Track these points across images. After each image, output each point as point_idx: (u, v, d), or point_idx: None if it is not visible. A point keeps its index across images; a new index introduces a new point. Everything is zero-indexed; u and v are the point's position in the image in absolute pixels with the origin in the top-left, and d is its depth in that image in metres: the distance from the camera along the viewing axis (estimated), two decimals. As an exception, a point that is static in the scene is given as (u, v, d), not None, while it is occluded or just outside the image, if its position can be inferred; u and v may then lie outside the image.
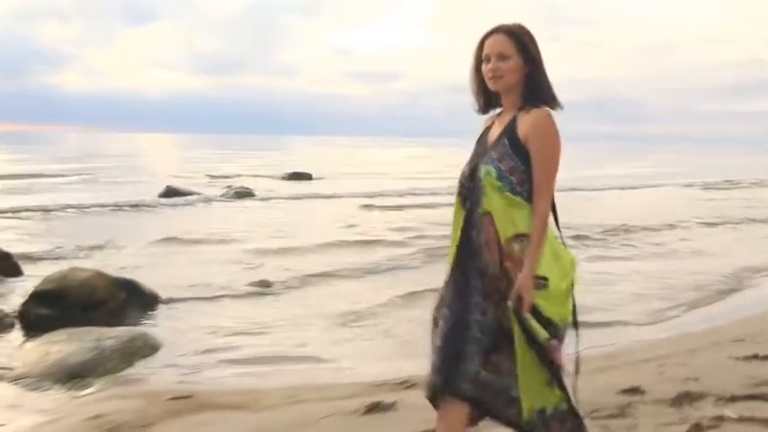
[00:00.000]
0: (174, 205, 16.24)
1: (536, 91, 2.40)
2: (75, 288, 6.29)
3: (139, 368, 5.12)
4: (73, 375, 4.84)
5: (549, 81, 2.43)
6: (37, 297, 6.25)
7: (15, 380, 4.79)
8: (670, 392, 3.94)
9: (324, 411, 3.91)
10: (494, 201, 2.31)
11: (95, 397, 4.49)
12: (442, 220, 6.08)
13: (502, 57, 2.37)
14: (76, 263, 8.32)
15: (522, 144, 2.33)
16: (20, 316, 6.17)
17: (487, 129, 2.53)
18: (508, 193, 2.30)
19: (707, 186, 27.55)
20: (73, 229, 12.15)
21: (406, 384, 4.39)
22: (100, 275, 6.56)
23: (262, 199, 18.75)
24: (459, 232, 2.41)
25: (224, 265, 8.87)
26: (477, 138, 2.56)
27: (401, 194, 20.27)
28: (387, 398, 4.02)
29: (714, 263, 9.52)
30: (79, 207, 14.93)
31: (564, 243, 2.43)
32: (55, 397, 4.51)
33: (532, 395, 2.32)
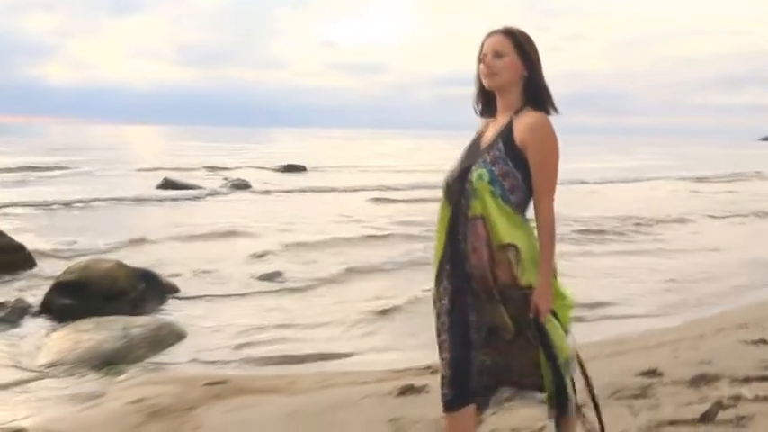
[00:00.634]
0: (176, 198, 16.23)
1: (534, 94, 2.40)
2: (97, 278, 6.42)
3: (169, 356, 5.28)
4: (106, 362, 5.00)
5: (547, 85, 2.43)
6: (59, 287, 6.38)
7: (51, 366, 4.93)
8: (686, 374, 4.15)
9: (357, 394, 4.08)
10: (487, 203, 2.30)
11: (132, 382, 4.65)
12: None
13: (497, 54, 2.37)
14: (89, 256, 8.39)
15: (518, 149, 2.32)
16: (43, 306, 6.29)
17: (483, 131, 2.52)
18: (499, 200, 2.29)
19: (700, 179, 27.85)
20: (80, 223, 12.17)
21: (431, 370, 4.55)
22: (120, 266, 6.70)
23: (261, 192, 18.78)
24: (444, 233, 2.42)
25: (238, 259, 8.94)
26: (471, 140, 2.55)
27: (402, 188, 20.24)
28: (417, 381, 4.20)
29: (728, 256, 9.74)
30: (81, 201, 14.86)
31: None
32: (93, 382, 4.67)
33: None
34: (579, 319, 6.03)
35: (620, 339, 5.51)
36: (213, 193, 17.90)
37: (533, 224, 2.37)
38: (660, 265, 9.16)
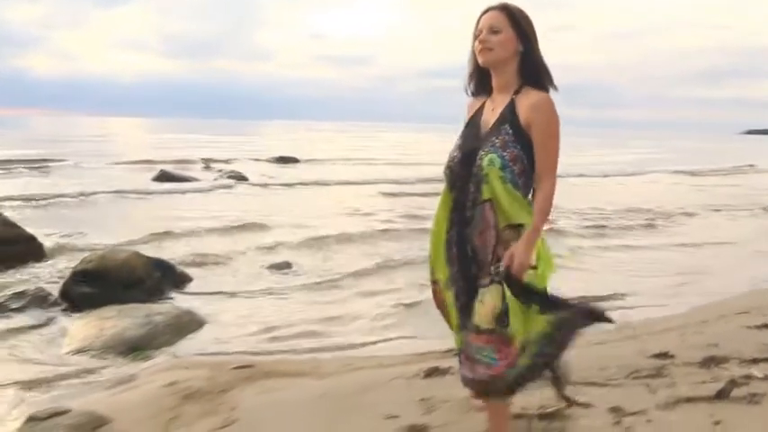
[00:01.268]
0: (176, 191, 16.11)
1: (532, 71, 2.37)
2: (115, 267, 6.53)
3: (192, 342, 5.42)
4: (132, 348, 5.13)
5: (545, 61, 2.40)
6: (78, 276, 6.48)
7: (79, 352, 5.06)
8: (696, 357, 4.35)
9: (385, 377, 4.24)
10: (496, 189, 2.31)
11: (160, 367, 4.78)
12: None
13: (493, 30, 2.33)
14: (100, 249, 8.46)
15: (524, 131, 2.31)
16: (62, 294, 6.39)
17: (478, 111, 2.48)
18: (509, 185, 2.31)
19: (697, 173, 28.08)
20: (82, 216, 12.14)
21: (453, 352, 4.73)
22: (137, 255, 6.82)
23: (261, 185, 18.74)
24: (446, 217, 2.45)
25: (251, 251, 8.99)
26: (466, 121, 2.51)
27: (406, 182, 20.02)
28: (441, 364, 4.36)
29: (735, 249, 9.92)
30: (84, 194, 14.76)
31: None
32: (124, 367, 4.80)
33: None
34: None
35: (627, 325, 5.71)
36: (213, 186, 17.81)
37: None
38: (666, 257, 9.34)
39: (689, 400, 3.56)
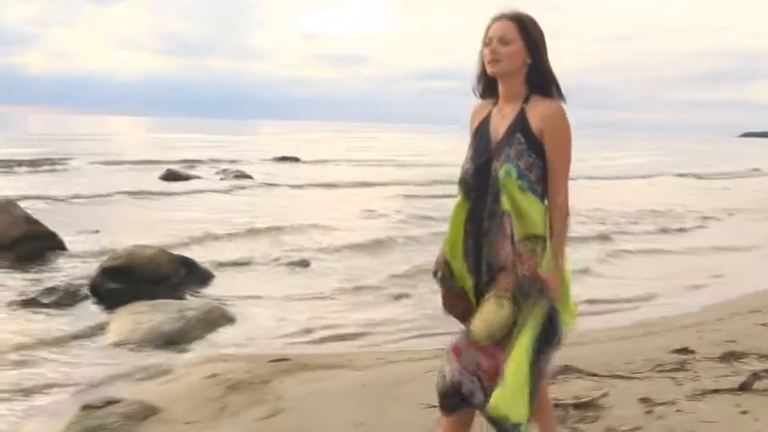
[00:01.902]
0: (186, 191, 16.14)
1: (538, 81, 2.35)
2: (142, 264, 6.70)
3: (225, 336, 5.61)
4: (169, 342, 5.31)
5: (554, 72, 2.39)
6: (106, 272, 6.65)
7: (119, 345, 5.23)
8: (716, 352, 4.53)
9: (419, 369, 4.40)
10: (516, 198, 2.28)
11: (199, 359, 4.96)
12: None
13: (503, 41, 2.31)
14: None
15: (537, 138, 2.30)
16: (92, 289, 6.56)
17: (484, 120, 2.45)
18: (528, 193, 2.29)
19: (704, 176, 28.20)
20: (98, 216, 12.21)
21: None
22: (164, 252, 6.99)
23: (269, 184, 18.75)
24: (461, 228, 2.40)
25: (271, 250, 9.16)
26: (474, 130, 2.48)
27: (408, 183, 20.07)
28: (471, 358, 4.53)
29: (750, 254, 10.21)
30: (101, 195, 14.77)
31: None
32: (164, 359, 4.97)
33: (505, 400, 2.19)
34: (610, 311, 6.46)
35: (645, 323, 5.91)
36: (226, 187, 17.74)
37: None
38: (685, 260, 9.60)
39: (714, 391, 3.73)
